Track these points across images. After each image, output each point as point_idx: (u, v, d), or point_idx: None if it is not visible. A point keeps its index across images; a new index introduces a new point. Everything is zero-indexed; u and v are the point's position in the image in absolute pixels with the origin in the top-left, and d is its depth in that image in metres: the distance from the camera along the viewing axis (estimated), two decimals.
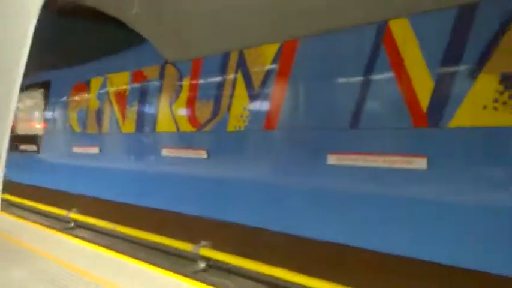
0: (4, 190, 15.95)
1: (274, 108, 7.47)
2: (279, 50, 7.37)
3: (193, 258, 8.02)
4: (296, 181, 7.20)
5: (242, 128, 7.95)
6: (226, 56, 8.29)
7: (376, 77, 6.21)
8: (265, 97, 7.61)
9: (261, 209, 7.59)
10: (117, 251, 8.86)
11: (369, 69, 6.25)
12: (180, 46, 9.05)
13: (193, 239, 8.32)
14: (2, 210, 13.70)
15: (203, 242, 7.78)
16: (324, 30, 6.70)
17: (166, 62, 9.63)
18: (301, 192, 7.08)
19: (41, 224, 12.06)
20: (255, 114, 7.76)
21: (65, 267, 5.68)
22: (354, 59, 6.43)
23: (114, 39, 10.47)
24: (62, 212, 12.15)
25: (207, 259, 7.68)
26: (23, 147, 15.84)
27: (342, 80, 6.66)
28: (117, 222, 10.22)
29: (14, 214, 13.52)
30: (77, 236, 10.46)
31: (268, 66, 7.53)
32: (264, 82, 7.61)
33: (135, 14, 5.81)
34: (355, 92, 6.34)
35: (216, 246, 7.81)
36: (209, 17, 7.79)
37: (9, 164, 17.01)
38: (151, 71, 10.09)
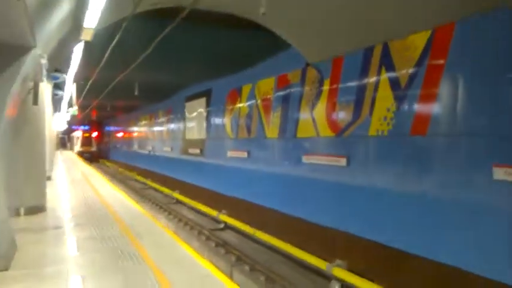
0: (176, 188, 17.85)
1: (424, 109, 6.19)
2: (430, 38, 6.08)
3: (327, 277, 7.29)
4: (455, 197, 5.76)
5: (385, 133, 6.86)
6: (368, 51, 7.32)
7: None
8: (413, 96, 6.38)
9: (408, 230, 6.37)
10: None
11: None
12: (321, 46, 8.43)
13: (329, 254, 7.58)
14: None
15: (338, 261, 6.95)
16: (490, 7, 5.21)
17: (307, 64, 9.13)
18: (465, 211, 5.61)
19: (198, 223, 12.90)
20: (400, 117, 6.59)
21: None
22: None
23: (263, 46, 10.51)
24: (213, 213, 12.82)
25: (340, 281, 6.83)
26: (191, 150, 17.44)
27: None
28: (260, 226, 10.18)
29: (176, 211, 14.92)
30: (222, 239, 10.77)
31: (417, 59, 6.29)
32: (412, 78, 6.39)
33: (262, 14, 5.46)
34: None
35: (352, 267, 6.91)
36: (348, 11, 6.96)
37: (180, 167, 19.00)
38: (294, 75, 9.73)
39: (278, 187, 10.33)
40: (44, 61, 5.63)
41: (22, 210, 8.12)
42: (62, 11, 5.26)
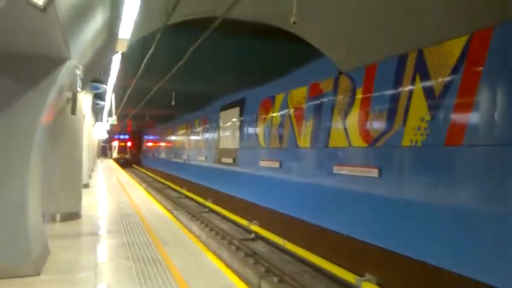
0: (209, 197, 18.00)
1: (460, 119, 5.91)
2: (467, 43, 5.83)
3: None
4: (491, 213, 5.44)
5: (419, 144, 6.59)
6: (402, 59, 7.11)
7: None
8: (448, 105, 6.11)
9: (446, 244, 6.06)
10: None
11: None
12: (353, 53, 8.28)
13: (359, 268, 7.35)
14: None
15: (368, 276, 6.71)
16: None
17: (340, 73, 9.00)
18: (501, 229, 5.28)
19: (229, 233, 12.91)
20: (435, 127, 6.33)
21: None
22: None
23: (295, 54, 10.48)
24: (244, 222, 12.78)
25: None
26: (224, 159, 17.56)
27: None
28: (290, 237, 10.05)
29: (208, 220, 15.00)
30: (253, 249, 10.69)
31: (453, 66, 6.04)
32: (448, 86, 6.13)
33: (293, 23, 5.43)
34: None
35: (382, 283, 6.65)
36: (380, 18, 6.80)
37: (213, 176, 19.13)
38: (326, 84, 9.61)
39: (308, 198, 10.16)
40: (79, 72, 5.83)
41: (58, 217, 8.40)
42: (96, 23, 5.43)
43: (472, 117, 5.76)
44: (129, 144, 56.15)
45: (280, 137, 11.99)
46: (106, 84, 12.91)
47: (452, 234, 5.99)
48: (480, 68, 5.64)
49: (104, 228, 7.94)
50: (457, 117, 5.96)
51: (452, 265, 5.81)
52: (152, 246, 6.37)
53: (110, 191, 14.50)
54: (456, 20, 5.90)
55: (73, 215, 8.68)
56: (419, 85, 6.69)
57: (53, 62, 4.93)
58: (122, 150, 55.55)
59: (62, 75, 5.25)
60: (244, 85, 14.77)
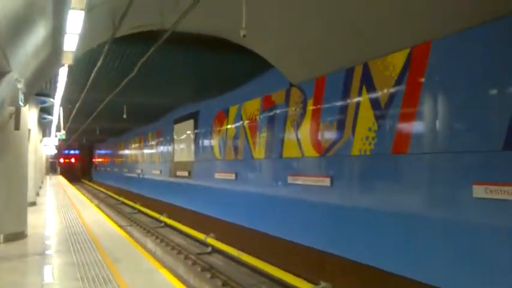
0: (165, 212, 17.63)
1: (405, 127, 6.20)
2: (409, 56, 6.15)
3: None
4: (439, 218, 5.70)
5: (368, 152, 6.84)
6: (350, 71, 7.38)
7: None
8: (393, 115, 6.40)
9: (396, 251, 6.27)
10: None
11: None
12: (303, 66, 8.49)
13: (316, 277, 7.45)
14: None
15: (322, 283, 6.82)
16: (464, 27, 5.29)
17: (291, 85, 9.18)
18: (450, 233, 5.54)
19: (185, 247, 12.68)
20: (382, 136, 6.59)
21: None
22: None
23: (247, 67, 10.58)
24: (201, 236, 12.62)
25: None
26: (179, 173, 17.31)
27: (495, 87, 5.07)
28: (247, 248, 10.03)
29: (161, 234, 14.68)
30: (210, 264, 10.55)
31: (397, 78, 6.34)
32: (392, 97, 6.42)
33: (243, 36, 5.50)
34: None
35: None
36: (328, 32, 7.04)
37: (168, 190, 18.78)
38: (278, 95, 9.76)
39: (264, 208, 10.21)
40: (20, 85, 5.58)
41: (1, 238, 7.91)
42: (37, 35, 5.24)
43: (416, 126, 6.06)
44: (72, 160, 55.61)
45: (235, 149, 12.02)
46: (53, 97, 12.42)
47: (401, 239, 6.22)
48: (421, 79, 5.96)
49: (51, 247, 7.56)
50: (402, 126, 6.25)
51: (403, 269, 6.02)
52: (103, 265, 6.13)
53: (58, 209, 13.85)
54: (398, 34, 6.21)
55: (18, 235, 8.20)
56: (366, 96, 6.96)
57: None
58: (66, 166, 54.71)
59: (2, 89, 5.02)
60: (198, 97, 14.69)
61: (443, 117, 5.69)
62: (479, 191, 4.89)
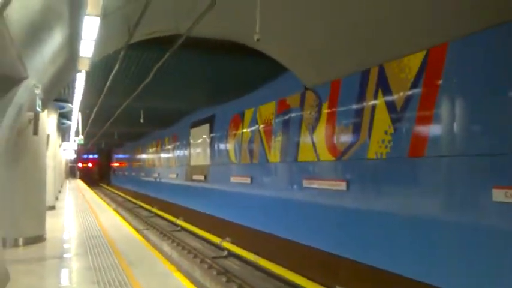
0: (181, 216, 17.72)
1: (422, 130, 6.08)
2: (425, 58, 6.04)
3: None
4: (455, 220, 5.57)
5: (384, 156, 6.73)
6: (365, 74, 7.29)
7: None
8: (410, 117, 6.29)
9: (413, 254, 6.15)
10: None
11: None
12: (318, 69, 8.44)
13: (331, 281, 7.36)
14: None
15: None
16: (482, 27, 5.17)
17: (306, 88, 9.13)
18: (466, 236, 5.40)
19: (201, 251, 12.70)
20: (398, 139, 6.49)
21: None
22: None
23: (262, 70, 10.58)
24: (216, 240, 12.63)
25: None
26: (195, 176, 17.39)
27: None
28: (263, 252, 9.98)
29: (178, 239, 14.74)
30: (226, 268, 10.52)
31: (413, 80, 6.23)
32: (409, 100, 6.31)
33: (257, 40, 5.49)
34: None
35: None
36: (344, 34, 6.97)
37: (185, 193, 18.88)
38: (293, 99, 9.72)
39: (280, 212, 10.16)
40: (38, 91, 5.67)
41: (21, 241, 8.05)
42: (54, 41, 5.32)
43: (433, 129, 5.94)
44: (90, 165, 56.50)
45: (251, 153, 12.01)
46: (71, 103, 12.62)
47: (419, 243, 6.09)
48: (438, 82, 5.84)
49: (68, 251, 7.65)
50: (419, 129, 6.14)
51: (424, 275, 5.89)
52: (119, 268, 6.17)
53: (77, 213, 14.05)
54: (415, 35, 6.11)
55: (37, 239, 8.33)
56: (381, 99, 6.86)
57: (9, 82, 4.79)
58: (85, 170, 55.65)
59: (20, 95, 5.09)
60: (213, 102, 14.76)
61: (460, 120, 5.57)
62: (499, 195, 4.76)
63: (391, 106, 6.65)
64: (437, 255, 5.79)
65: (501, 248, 4.91)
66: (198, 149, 17.42)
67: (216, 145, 15.21)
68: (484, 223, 5.08)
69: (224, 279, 9.69)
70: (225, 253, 11.91)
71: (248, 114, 12.28)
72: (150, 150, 28.22)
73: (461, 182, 5.50)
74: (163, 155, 24.46)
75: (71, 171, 53.80)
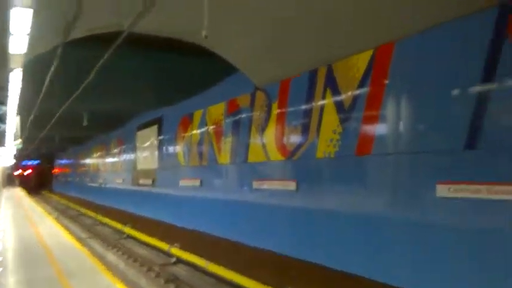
0: (128, 223, 17.06)
1: (368, 129, 6.17)
2: (372, 58, 6.14)
3: None
4: (401, 218, 5.70)
5: (332, 155, 6.78)
6: (314, 73, 7.32)
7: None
8: (357, 117, 6.37)
9: (365, 252, 6.21)
10: None
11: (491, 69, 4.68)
12: (268, 68, 8.38)
13: (282, 281, 7.31)
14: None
15: None
16: (427, 26, 5.32)
17: (256, 88, 9.05)
18: (410, 232, 5.53)
19: (148, 259, 12.25)
20: (346, 138, 6.55)
21: None
22: (473, 56, 4.88)
23: (212, 70, 10.38)
24: (165, 247, 12.24)
25: None
26: (142, 181, 16.81)
27: (457, 87, 5.10)
28: (212, 256, 9.77)
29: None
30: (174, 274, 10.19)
31: (360, 80, 6.32)
32: (356, 99, 6.39)
33: (205, 37, 5.30)
34: (474, 103, 4.79)
35: None
36: (293, 33, 6.95)
37: (131, 199, 18.21)
38: (243, 99, 9.61)
39: (229, 214, 10.00)
40: None
41: None
42: None
43: (379, 128, 6.05)
44: (29, 171, 53.61)
45: (200, 155, 11.75)
46: (6, 104, 11.75)
47: (369, 241, 6.17)
48: (384, 81, 5.96)
49: (2, 265, 7.05)
50: (366, 128, 6.22)
51: (373, 273, 5.96)
52: (56, 282, 5.74)
53: (13, 223, 13.10)
54: (362, 35, 6.19)
55: None
56: (330, 99, 6.91)
57: None
58: (23, 178, 52.73)
59: None
60: (161, 103, 14.30)
61: (406, 118, 5.71)
62: (442, 190, 4.90)
63: (339, 105, 6.71)
64: (387, 252, 5.88)
65: (445, 242, 5.05)
66: (145, 152, 16.87)
67: (164, 148, 14.78)
68: (429, 218, 5.22)
69: (172, 286, 9.37)
70: (174, 260, 11.55)
71: (197, 115, 12.02)
72: (95, 154, 27.03)
73: (407, 179, 5.63)
74: (108, 160, 23.49)
75: (9, 179, 50.46)
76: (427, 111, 5.41)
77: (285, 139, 8.06)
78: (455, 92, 5.08)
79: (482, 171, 4.61)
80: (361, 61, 6.33)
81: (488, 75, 4.72)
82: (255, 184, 8.82)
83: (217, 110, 10.88)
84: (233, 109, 10.11)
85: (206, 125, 11.48)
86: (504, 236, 4.48)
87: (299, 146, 7.60)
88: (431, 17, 5.24)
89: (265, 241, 8.37)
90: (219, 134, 10.73)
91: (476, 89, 4.84)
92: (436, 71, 5.31)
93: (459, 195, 4.72)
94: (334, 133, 6.75)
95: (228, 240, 9.72)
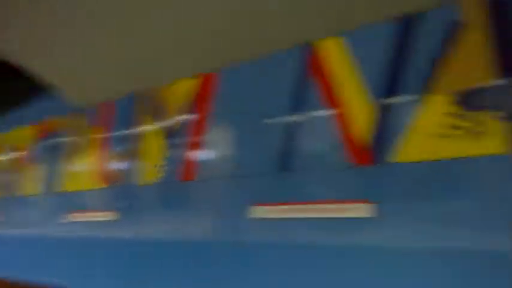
0: None
1: (193, 155, 6.25)
2: (199, 85, 6.30)
3: None
4: (221, 239, 5.82)
5: (157, 181, 6.61)
6: (138, 97, 7.12)
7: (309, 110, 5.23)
8: (182, 143, 6.40)
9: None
10: None
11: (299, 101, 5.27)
12: (88, 90, 7.83)
13: None
14: None
15: None
16: (247, 58, 5.73)
17: (74, 110, 8.32)
18: (230, 253, 5.67)
19: None
20: (171, 164, 6.49)
21: None
22: (280, 89, 5.42)
23: (23, 88, 9.18)
24: None
25: None
26: None
27: (270, 117, 5.58)
28: None
29: None
30: None
31: (186, 106, 6.40)
32: (182, 125, 6.42)
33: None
34: (284, 131, 5.30)
35: None
36: (114, 56, 6.67)
37: None
38: (59, 122, 8.70)
39: (39, 252, 8.74)
40: None
41: None
42: None
43: (203, 154, 6.17)
44: None
45: (5, 184, 10.07)
46: None
47: (191, 265, 6.11)
48: (209, 108, 6.15)
49: None
50: (190, 154, 6.27)
51: None
52: None
53: None
54: (188, 62, 6.32)
55: None
56: (155, 124, 6.79)
57: None
58: None
59: None
60: None
61: (227, 144, 5.98)
62: (255, 211, 5.22)
63: (165, 131, 6.65)
64: (207, 274, 5.91)
65: (260, 259, 5.35)
66: None
67: None
68: (244, 238, 5.46)
69: None
70: None
71: (0, 138, 10.38)
72: None
73: (227, 202, 5.84)
74: None
75: None
76: (245, 138, 5.75)
77: (106, 165, 7.54)
78: (269, 120, 5.57)
79: (289, 193, 5.09)
80: (188, 88, 6.44)
81: (294, 107, 5.32)
82: (71, 215, 7.93)
83: (27, 133, 9.57)
84: (46, 133, 9.04)
85: (13, 150, 9.96)
86: (306, 249, 4.97)
87: (122, 172, 7.20)
88: (248, 51, 5.69)
89: (85, 280, 7.53)
90: (29, 161, 9.40)
91: (286, 118, 5.40)
92: (254, 102, 5.73)
93: (267, 215, 5.10)
94: (160, 159, 6.61)
95: (37, 282, 8.42)
